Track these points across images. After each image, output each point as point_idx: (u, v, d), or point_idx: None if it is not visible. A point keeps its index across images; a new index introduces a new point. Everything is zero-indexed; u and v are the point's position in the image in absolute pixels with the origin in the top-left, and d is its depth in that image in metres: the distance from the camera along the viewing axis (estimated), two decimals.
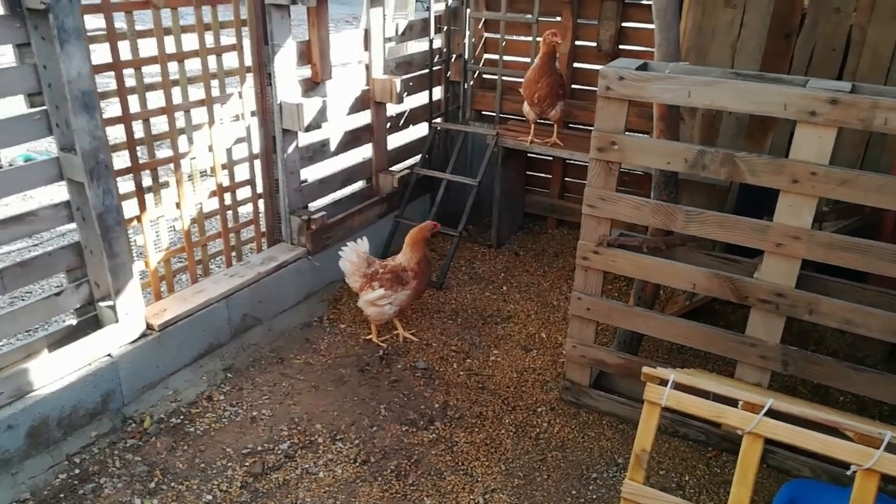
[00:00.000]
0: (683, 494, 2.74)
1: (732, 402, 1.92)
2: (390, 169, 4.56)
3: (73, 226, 2.90)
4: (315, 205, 4.11)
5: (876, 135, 3.68)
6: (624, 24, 4.40)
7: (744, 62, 3.82)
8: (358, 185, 4.52)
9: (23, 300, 3.85)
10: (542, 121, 4.36)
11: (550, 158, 4.81)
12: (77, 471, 2.74)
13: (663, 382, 1.91)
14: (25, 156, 5.53)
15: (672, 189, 2.97)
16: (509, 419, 3.13)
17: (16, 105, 2.64)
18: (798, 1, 3.65)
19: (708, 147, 2.55)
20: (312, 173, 4.05)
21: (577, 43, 4.59)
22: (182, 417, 3.06)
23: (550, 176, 5.00)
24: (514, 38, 4.79)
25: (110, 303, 2.98)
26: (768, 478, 2.79)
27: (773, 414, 1.82)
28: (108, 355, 2.98)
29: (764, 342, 2.66)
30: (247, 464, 2.82)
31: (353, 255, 3.60)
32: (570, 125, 4.71)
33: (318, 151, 4.01)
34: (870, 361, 3.45)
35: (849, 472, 1.71)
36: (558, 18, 4.55)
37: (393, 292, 3.50)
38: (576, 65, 4.65)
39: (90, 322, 3.04)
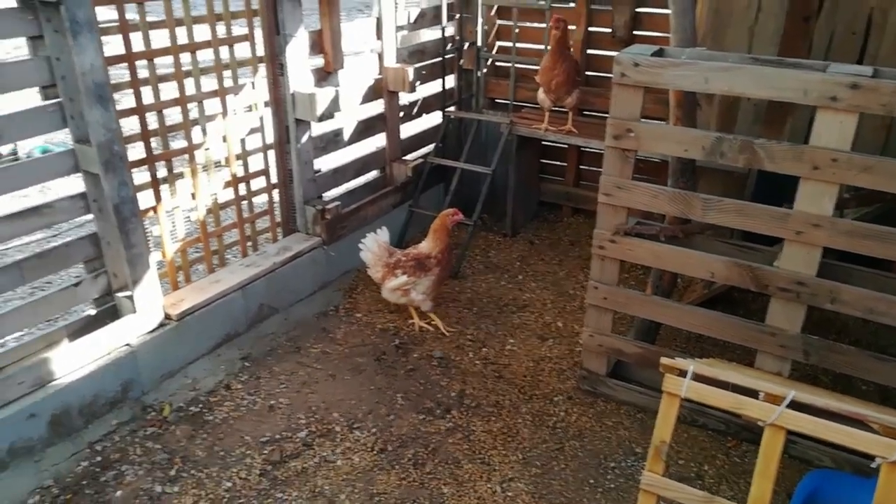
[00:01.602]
0: (703, 485, 2.73)
1: (752, 392, 1.90)
2: (404, 158, 4.55)
3: (90, 217, 2.92)
4: (329, 195, 4.10)
5: None
6: (638, 10, 4.34)
7: (761, 47, 3.76)
8: (371, 174, 4.51)
9: (42, 290, 3.88)
10: (556, 108, 4.32)
11: (565, 146, 4.77)
12: (99, 458, 2.78)
13: (682, 373, 1.89)
14: (42, 147, 5.57)
15: (689, 177, 2.94)
16: (526, 408, 3.13)
17: (28, 98, 2.65)
18: None
19: (726, 134, 2.51)
20: (326, 163, 4.04)
21: (591, 29, 4.53)
22: (201, 406, 3.09)
23: (565, 164, 4.96)
24: (528, 24, 4.75)
25: (128, 293, 3.00)
26: (789, 467, 2.76)
27: (795, 405, 1.80)
28: (127, 345, 3.01)
29: (784, 331, 2.63)
30: (265, 452, 2.84)
31: (374, 245, 3.61)
32: (585, 112, 4.67)
33: (332, 141, 4.01)
34: (894, 350, 3.41)
35: (873, 465, 1.69)
36: (572, 4, 4.49)
37: (416, 279, 3.50)
38: (590, 51, 4.60)
39: (109, 312, 3.07)
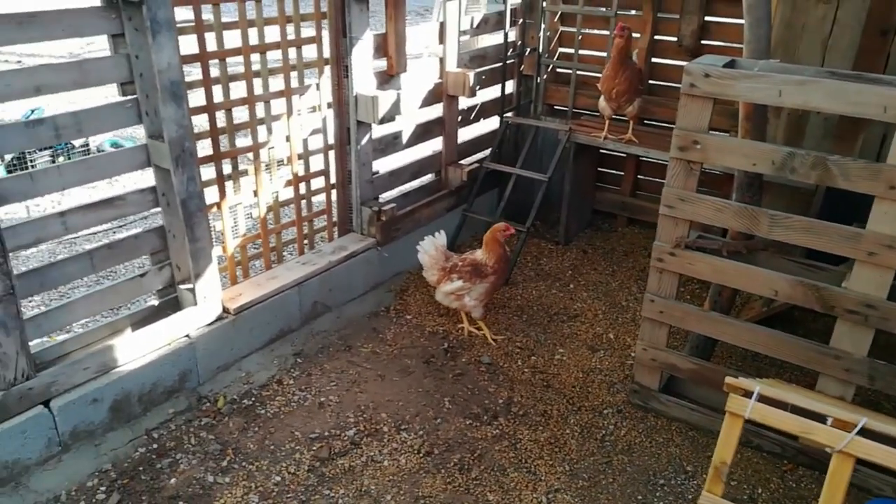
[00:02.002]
0: None
1: (811, 415, 1.83)
2: (459, 162, 4.56)
3: (156, 210, 3.02)
4: (385, 196, 4.14)
5: None
6: (707, 19, 4.25)
7: (836, 60, 3.63)
8: (427, 177, 4.53)
9: (107, 280, 4.03)
10: (617, 116, 4.27)
11: (623, 155, 4.71)
12: (155, 445, 2.86)
13: (747, 394, 1.84)
14: (112, 141, 5.77)
15: (755, 191, 2.86)
16: (574, 419, 3.10)
17: (97, 94, 2.75)
18: None
19: (798, 149, 2.44)
20: (384, 165, 4.08)
21: (657, 37, 4.46)
22: (253, 399, 3.15)
23: (622, 173, 4.89)
24: (591, 31, 4.70)
25: (190, 286, 3.08)
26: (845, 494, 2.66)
27: (863, 432, 1.74)
28: (187, 336, 3.10)
29: (850, 355, 2.54)
30: (314, 448, 2.88)
31: (431, 248, 3.63)
32: (646, 122, 4.60)
33: (390, 144, 4.05)
34: None
35: None
36: (633, 12, 4.43)
37: (471, 284, 3.51)
38: (654, 60, 4.52)
39: (170, 303, 3.16)
